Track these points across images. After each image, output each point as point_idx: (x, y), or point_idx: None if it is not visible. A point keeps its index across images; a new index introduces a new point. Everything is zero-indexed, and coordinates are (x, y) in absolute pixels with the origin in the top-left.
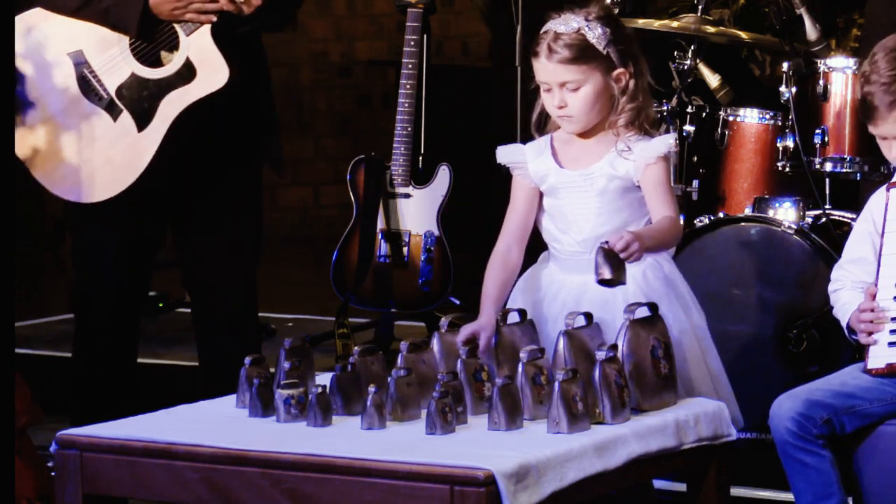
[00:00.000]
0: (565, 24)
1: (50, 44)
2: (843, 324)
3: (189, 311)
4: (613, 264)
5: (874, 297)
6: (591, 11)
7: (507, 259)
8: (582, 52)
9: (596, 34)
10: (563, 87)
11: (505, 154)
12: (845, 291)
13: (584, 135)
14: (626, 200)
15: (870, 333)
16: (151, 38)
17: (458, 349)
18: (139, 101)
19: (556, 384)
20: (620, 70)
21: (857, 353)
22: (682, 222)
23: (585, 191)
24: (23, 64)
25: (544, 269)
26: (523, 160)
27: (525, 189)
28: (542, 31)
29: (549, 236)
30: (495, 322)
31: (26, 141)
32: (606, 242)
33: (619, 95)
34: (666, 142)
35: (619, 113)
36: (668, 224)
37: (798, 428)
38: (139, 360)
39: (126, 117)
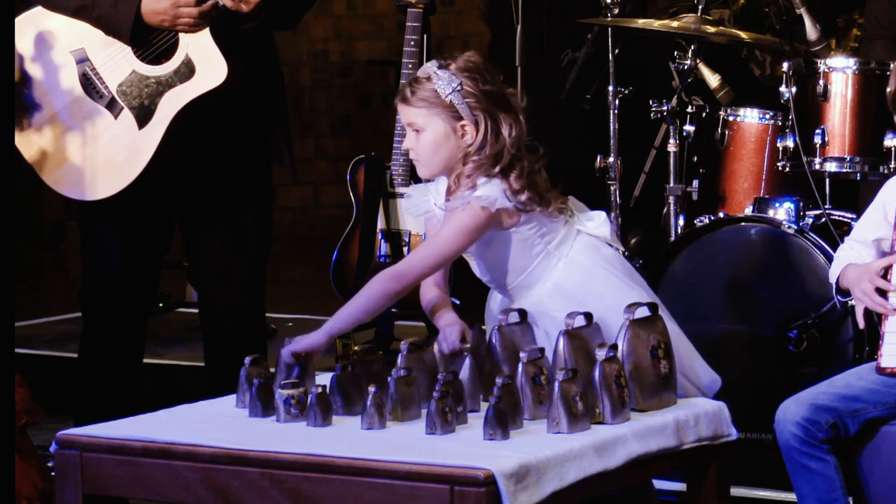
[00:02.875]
0: (423, 70)
1: (55, 43)
2: (833, 279)
3: (189, 310)
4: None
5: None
6: (451, 61)
7: (437, 282)
8: (424, 98)
9: (441, 83)
10: (411, 129)
11: (411, 207)
12: (847, 257)
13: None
14: (494, 248)
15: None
16: (147, 43)
17: (453, 347)
18: (140, 98)
19: (556, 384)
20: (464, 122)
21: (859, 353)
22: (401, 277)
23: None
24: (31, 66)
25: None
26: (429, 206)
27: (430, 232)
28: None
29: None
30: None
31: (33, 143)
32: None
33: (465, 148)
34: (466, 196)
35: (463, 165)
36: (369, 290)
37: (804, 433)
38: None
39: (127, 115)
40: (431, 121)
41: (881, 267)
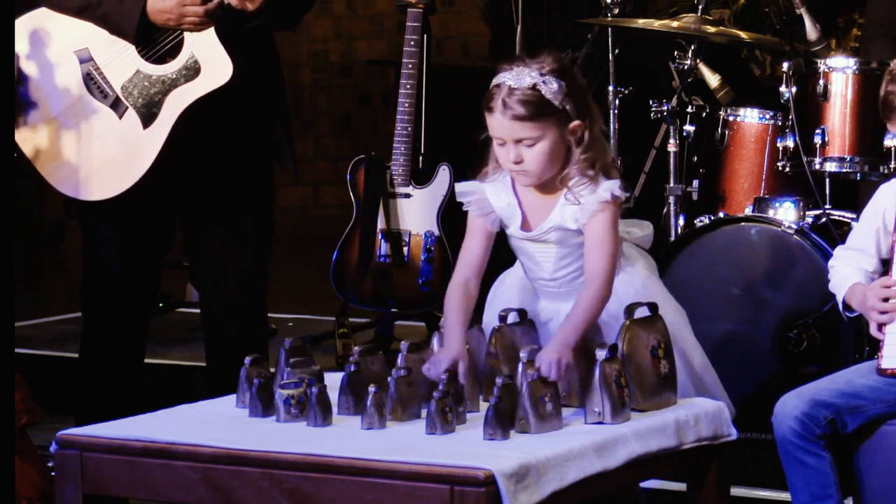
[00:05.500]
0: (520, 79)
1: (55, 43)
2: (840, 297)
3: (189, 310)
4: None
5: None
6: (544, 65)
7: (467, 291)
8: (538, 109)
9: (552, 90)
10: (518, 143)
11: (466, 193)
12: (845, 268)
13: (540, 184)
14: (580, 243)
15: (882, 313)
16: (152, 41)
17: (437, 378)
18: (144, 98)
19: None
20: (576, 123)
21: (859, 353)
22: (607, 281)
23: (545, 243)
24: (27, 65)
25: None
26: (489, 208)
27: (482, 228)
28: (494, 84)
29: (521, 264)
30: (466, 349)
31: (30, 141)
32: (535, 374)
33: (575, 147)
34: (608, 189)
35: (572, 164)
36: (589, 299)
37: (801, 428)
38: None
39: (131, 115)
40: (546, 130)
41: (886, 283)
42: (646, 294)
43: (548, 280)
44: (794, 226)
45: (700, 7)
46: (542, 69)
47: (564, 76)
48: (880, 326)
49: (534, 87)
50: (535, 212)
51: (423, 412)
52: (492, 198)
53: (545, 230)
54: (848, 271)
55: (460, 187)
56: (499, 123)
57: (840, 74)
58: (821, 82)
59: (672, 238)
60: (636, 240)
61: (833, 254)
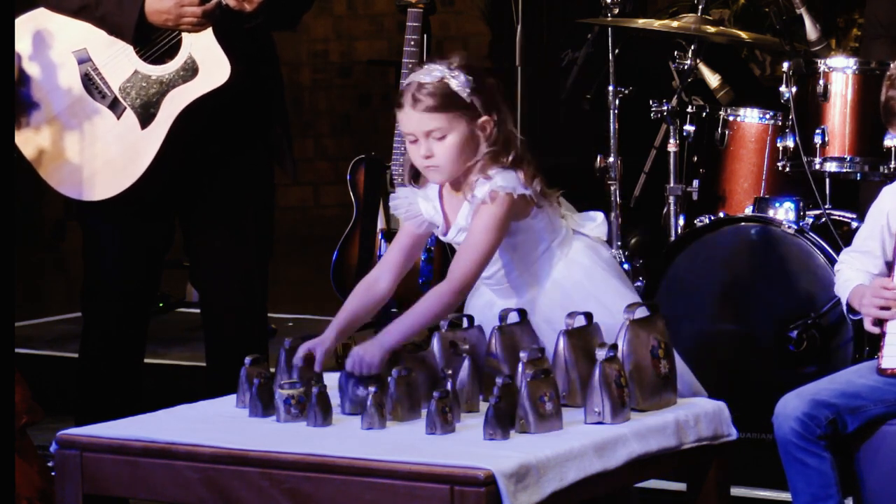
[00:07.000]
0: (428, 74)
1: (55, 43)
2: (844, 300)
3: (189, 310)
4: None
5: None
6: (453, 61)
7: (373, 288)
8: (446, 101)
9: (459, 82)
10: (428, 137)
11: (399, 206)
12: (850, 270)
13: (455, 185)
14: (506, 241)
15: (883, 308)
16: (150, 42)
17: (294, 365)
18: (142, 98)
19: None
20: (485, 118)
21: (859, 353)
22: (461, 287)
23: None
24: (29, 65)
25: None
26: (417, 211)
27: (411, 234)
28: (405, 83)
29: None
30: (334, 340)
31: (31, 142)
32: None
33: (484, 143)
34: (494, 184)
35: (475, 160)
36: (430, 300)
37: (802, 428)
38: None
39: (129, 115)
40: (455, 123)
41: (885, 284)
42: (586, 285)
43: (485, 279)
44: (794, 226)
45: (700, 7)
46: (450, 65)
47: (472, 73)
48: (880, 323)
49: (441, 80)
50: (453, 214)
51: (423, 412)
52: (422, 203)
53: (456, 233)
54: (852, 274)
55: (396, 192)
56: (409, 118)
57: (840, 74)
58: (821, 82)
59: (672, 238)
60: (589, 232)
61: (839, 258)
